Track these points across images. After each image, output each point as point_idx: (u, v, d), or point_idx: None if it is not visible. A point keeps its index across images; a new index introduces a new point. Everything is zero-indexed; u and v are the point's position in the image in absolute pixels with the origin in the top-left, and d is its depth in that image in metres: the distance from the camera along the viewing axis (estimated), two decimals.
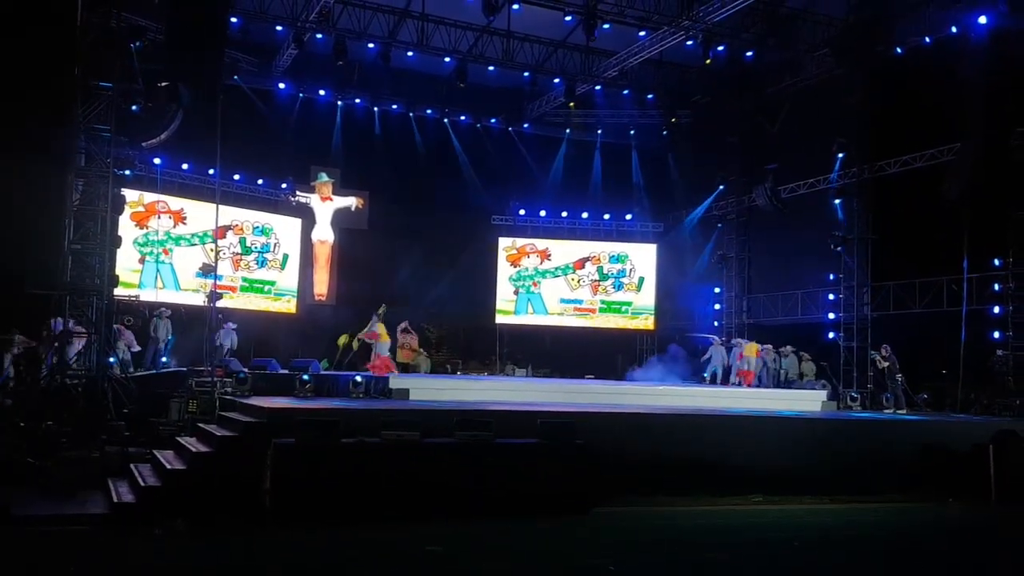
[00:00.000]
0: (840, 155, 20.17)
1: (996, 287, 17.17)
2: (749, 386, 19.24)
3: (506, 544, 9.28)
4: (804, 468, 12.63)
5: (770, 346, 20.39)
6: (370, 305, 21.55)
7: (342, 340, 20.99)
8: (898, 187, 19.35)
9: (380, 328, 17.06)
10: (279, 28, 20.33)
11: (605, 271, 25.66)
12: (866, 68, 19.22)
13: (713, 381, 20.82)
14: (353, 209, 23.83)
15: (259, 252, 22.34)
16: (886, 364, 17.79)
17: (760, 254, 24.10)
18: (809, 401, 17.55)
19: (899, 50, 18.77)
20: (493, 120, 25.33)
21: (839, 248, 20.04)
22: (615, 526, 10.24)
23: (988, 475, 12.65)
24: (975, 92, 16.79)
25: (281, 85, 22.57)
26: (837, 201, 20.39)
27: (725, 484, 12.09)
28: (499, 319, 24.98)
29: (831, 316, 20.52)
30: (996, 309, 17.15)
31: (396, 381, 15.61)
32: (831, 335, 20.29)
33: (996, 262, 17.15)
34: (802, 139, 21.31)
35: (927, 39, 18.16)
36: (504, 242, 25.44)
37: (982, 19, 16.74)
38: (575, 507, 10.55)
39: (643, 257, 25.77)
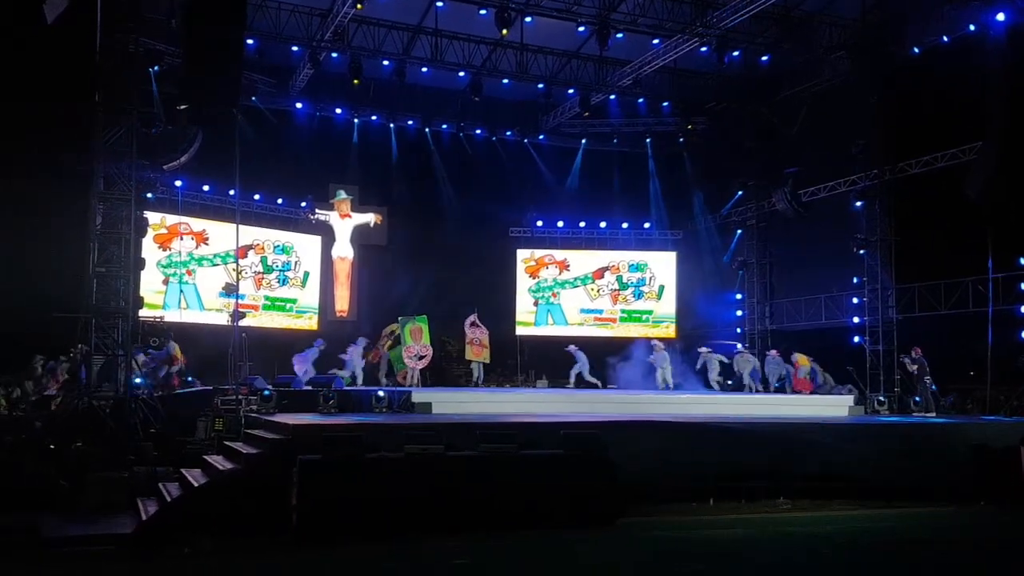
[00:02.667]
0: (861, 157, 20.01)
1: (1022, 286, 16.95)
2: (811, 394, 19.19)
3: (536, 556, 9.21)
4: (833, 474, 12.47)
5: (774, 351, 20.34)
6: (390, 320, 21.67)
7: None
8: (921, 187, 19.13)
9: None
10: (295, 48, 20.51)
11: (625, 280, 25.57)
12: (884, 69, 19.08)
13: (766, 388, 20.40)
14: (372, 225, 23.99)
15: (280, 270, 22.52)
16: (915, 367, 17.59)
17: (781, 259, 23.86)
18: (836, 406, 17.38)
19: (916, 50, 18.61)
20: (509, 132, 25.35)
21: (862, 251, 19.84)
22: (643, 537, 10.15)
23: (1020, 477, 12.43)
24: (995, 90, 16.63)
25: (298, 104, 22.76)
26: (859, 203, 20.19)
27: (751, 491, 11.98)
28: (519, 330, 24.94)
29: (856, 320, 20.30)
30: (1023, 309, 16.93)
31: (419, 395, 15.65)
32: (856, 339, 20.06)
33: (1022, 261, 16.94)
34: (821, 142, 21.11)
35: (945, 38, 17.97)
36: (522, 254, 25.43)
37: (1000, 16, 16.54)
38: (601, 518, 10.49)
39: (663, 265, 25.67)
